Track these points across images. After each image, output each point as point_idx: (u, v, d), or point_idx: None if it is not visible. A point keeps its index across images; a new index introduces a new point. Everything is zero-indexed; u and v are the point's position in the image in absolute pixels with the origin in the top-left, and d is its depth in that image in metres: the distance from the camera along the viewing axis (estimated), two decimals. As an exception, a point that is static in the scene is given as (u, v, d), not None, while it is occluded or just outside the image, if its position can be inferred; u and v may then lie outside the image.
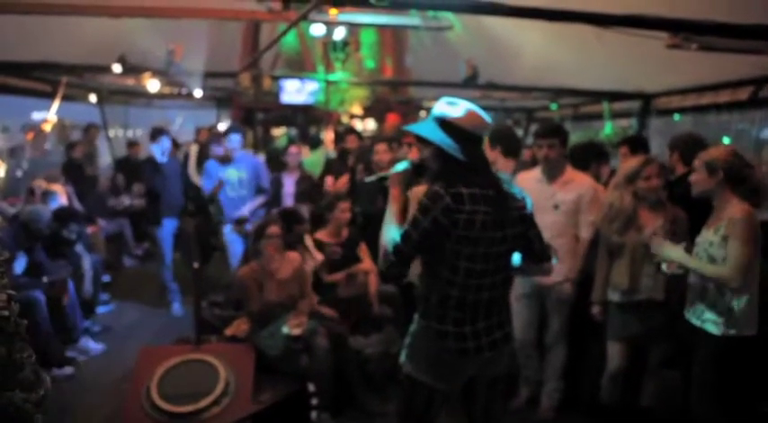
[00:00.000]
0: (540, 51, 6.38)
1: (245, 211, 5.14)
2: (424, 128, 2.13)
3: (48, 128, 7.34)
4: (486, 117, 2.13)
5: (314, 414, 3.42)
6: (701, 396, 2.72)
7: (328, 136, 8.26)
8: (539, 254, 2.27)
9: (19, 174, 6.46)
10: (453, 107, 2.10)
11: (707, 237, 2.70)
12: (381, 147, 4.81)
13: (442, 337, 2.11)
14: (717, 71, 5.10)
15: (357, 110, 9.61)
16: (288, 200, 5.48)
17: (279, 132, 11.35)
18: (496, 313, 2.19)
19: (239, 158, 5.21)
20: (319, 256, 4.08)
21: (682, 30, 3.71)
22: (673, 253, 2.74)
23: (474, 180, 2.06)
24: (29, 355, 0.95)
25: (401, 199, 2.24)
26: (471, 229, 2.01)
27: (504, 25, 5.92)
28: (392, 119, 10.40)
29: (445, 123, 2.09)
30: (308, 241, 4.19)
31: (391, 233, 2.13)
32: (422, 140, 2.15)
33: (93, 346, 4.61)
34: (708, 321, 2.70)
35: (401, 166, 2.28)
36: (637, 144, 4.28)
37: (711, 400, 2.70)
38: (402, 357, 2.26)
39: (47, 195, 5.30)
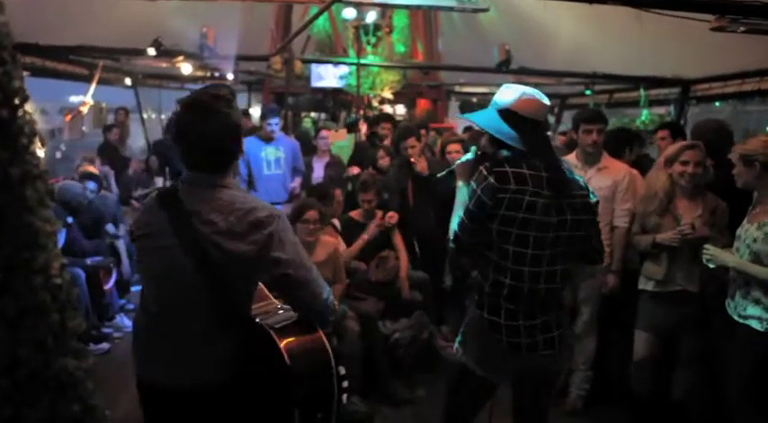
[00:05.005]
0: (575, 35, 6.24)
1: (296, 185, 5.16)
2: (480, 115, 2.14)
3: (85, 110, 7.49)
4: (545, 100, 2.10)
5: (344, 397, 3.43)
6: (738, 392, 2.65)
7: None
8: (596, 252, 2.20)
9: (58, 155, 6.62)
10: (507, 92, 2.08)
11: (750, 232, 2.61)
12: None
13: (493, 328, 2.07)
14: (762, 56, 4.92)
15: (388, 94, 9.54)
16: (317, 184, 5.50)
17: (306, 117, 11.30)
18: (555, 309, 2.12)
19: (278, 139, 5.22)
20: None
21: (728, 12, 3.58)
22: (729, 259, 2.65)
23: (523, 162, 2.02)
24: (80, 323, 0.97)
25: None
26: (517, 210, 1.97)
27: (539, 8, 5.80)
28: (423, 104, 10.29)
29: (501, 110, 2.07)
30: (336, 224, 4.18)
31: (455, 222, 2.15)
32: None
33: (129, 323, 4.71)
34: (751, 317, 2.60)
35: (466, 157, 2.26)
36: (677, 130, 4.21)
37: (749, 396, 2.62)
38: (456, 344, 2.27)
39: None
